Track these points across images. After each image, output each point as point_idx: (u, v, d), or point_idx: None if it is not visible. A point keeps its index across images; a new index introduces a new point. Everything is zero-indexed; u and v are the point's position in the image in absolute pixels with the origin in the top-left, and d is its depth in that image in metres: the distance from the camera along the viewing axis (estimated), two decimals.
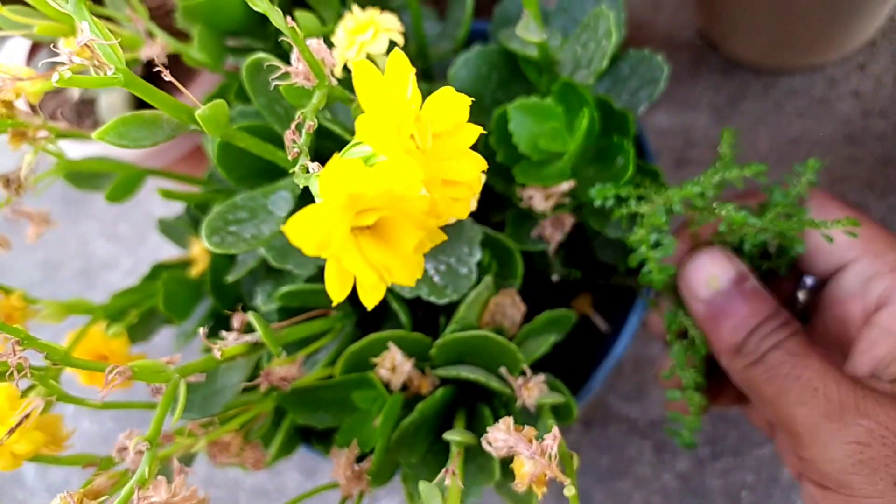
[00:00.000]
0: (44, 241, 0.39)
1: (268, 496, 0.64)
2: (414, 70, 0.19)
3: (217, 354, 0.25)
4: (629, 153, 0.32)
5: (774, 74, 0.64)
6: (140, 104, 0.61)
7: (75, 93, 0.64)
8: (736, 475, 0.55)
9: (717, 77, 0.66)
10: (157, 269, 0.41)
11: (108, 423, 0.70)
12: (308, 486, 0.64)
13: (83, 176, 0.39)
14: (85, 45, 0.21)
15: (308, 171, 0.21)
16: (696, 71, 0.66)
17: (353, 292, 0.37)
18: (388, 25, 0.32)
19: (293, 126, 0.23)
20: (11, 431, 0.25)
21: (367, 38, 0.31)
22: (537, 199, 0.33)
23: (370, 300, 0.18)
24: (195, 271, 0.40)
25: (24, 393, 0.28)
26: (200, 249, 0.40)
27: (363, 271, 0.17)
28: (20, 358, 0.21)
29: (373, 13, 0.32)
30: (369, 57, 0.32)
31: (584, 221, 0.36)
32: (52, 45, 0.64)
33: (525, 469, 0.24)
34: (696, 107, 0.65)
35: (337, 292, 0.18)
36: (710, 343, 0.33)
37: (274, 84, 0.25)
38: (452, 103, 0.18)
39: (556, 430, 0.24)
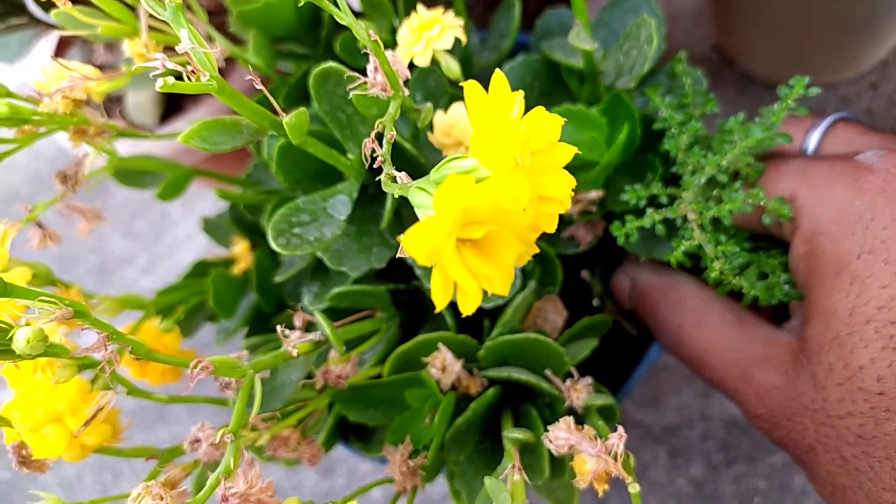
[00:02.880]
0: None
1: (285, 494, 0.64)
2: (522, 93, 0.20)
3: (294, 352, 0.26)
4: (658, 171, 0.33)
5: None
6: (169, 104, 0.62)
7: None
8: (749, 482, 0.56)
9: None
10: (200, 266, 0.42)
11: None
12: (324, 484, 0.65)
13: (130, 174, 0.40)
14: (185, 52, 0.22)
15: (395, 181, 0.22)
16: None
17: (401, 294, 0.38)
18: (453, 23, 0.33)
19: (373, 135, 0.24)
20: (87, 423, 0.26)
21: (434, 33, 0.32)
22: None
23: (468, 308, 0.19)
24: (238, 269, 0.41)
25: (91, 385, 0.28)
26: (243, 248, 0.41)
27: (468, 281, 0.18)
28: (111, 353, 0.22)
29: (437, 12, 0.33)
30: (434, 54, 0.33)
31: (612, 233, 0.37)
32: (83, 43, 0.64)
33: (587, 467, 0.25)
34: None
35: (441, 299, 0.19)
36: None
37: (352, 93, 0.26)
38: (546, 123, 0.19)
39: (621, 429, 0.25)
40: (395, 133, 0.24)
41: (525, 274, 0.35)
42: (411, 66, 0.33)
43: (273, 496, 0.24)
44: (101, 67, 0.64)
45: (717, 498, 0.56)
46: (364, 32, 0.24)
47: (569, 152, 0.20)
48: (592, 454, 0.25)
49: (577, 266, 0.40)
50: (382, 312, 0.37)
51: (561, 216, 0.38)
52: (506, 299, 0.34)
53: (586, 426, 0.27)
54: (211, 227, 0.43)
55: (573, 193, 0.36)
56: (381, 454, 0.35)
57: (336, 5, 0.24)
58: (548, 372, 0.33)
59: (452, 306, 0.37)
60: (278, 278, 0.37)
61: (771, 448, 0.56)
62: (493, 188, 0.17)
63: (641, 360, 0.39)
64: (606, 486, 0.26)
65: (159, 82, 0.21)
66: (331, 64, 0.29)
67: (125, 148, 0.56)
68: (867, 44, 0.62)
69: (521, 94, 0.20)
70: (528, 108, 0.40)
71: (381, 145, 0.24)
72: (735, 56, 0.67)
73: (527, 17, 0.49)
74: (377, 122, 0.24)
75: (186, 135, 0.24)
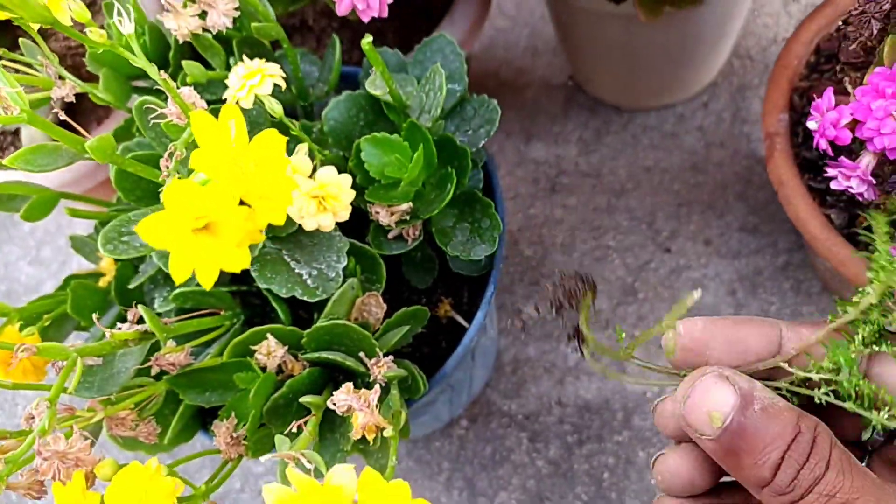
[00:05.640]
0: None
1: None
2: (237, 118, 0.26)
3: (108, 336, 0.32)
4: (454, 182, 0.40)
5: (632, 112, 0.74)
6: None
7: None
8: (599, 459, 0.63)
9: (585, 114, 0.75)
10: (69, 280, 0.46)
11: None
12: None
13: (2, 198, 0.44)
14: None
15: None
16: (567, 109, 0.76)
17: (244, 296, 0.44)
18: (273, 72, 0.39)
19: (167, 154, 0.30)
20: None
21: (255, 82, 0.38)
22: (382, 214, 0.40)
23: (206, 281, 0.25)
24: (104, 281, 0.45)
25: None
26: (108, 262, 0.45)
27: (195, 261, 0.24)
28: None
29: (261, 63, 0.39)
30: (257, 96, 0.39)
31: (432, 237, 0.43)
32: None
33: (359, 421, 0.31)
34: (568, 140, 0.75)
35: (178, 276, 0.24)
36: (736, 478, 0.29)
37: (152, 122, 0.31)
38: (271, 140, 0.25)
39: (377, 387, 0.31)
40: (182, 153, 0.29)
41: (346, 273, 0.41)
42: None
43: (90, 455, 0.29)
44: None
45: (572, 475, 0.62)
46: (155, 73, 0.29)
47: (284, 162, 0.26)
48: (357, 408, 0.30)
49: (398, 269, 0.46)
50: (226, 311, 0.42)
51: (383, 226, 0.44)
52: (329, 295, 0.40)
53: (363, 390, 0.32)
54: (79, 245, 0.47)
55: (387, 206, 0.42)
56: None
57: (133, 53, 0.30)
58: (361, 354, 0.39)
59: (286, 301, 0.42)
60: (131, 285, 0.42)
61: (617, 428, 0.63)
62: (209, 192, 0.23)
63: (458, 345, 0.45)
64: (374, 434, 0.31)
65: None
66: (146, 98, 0.35)
67: (14, 176, 0.60)
68: (694, 69, 0.71)
69: (236, 118, 0.26)
70: (355, 136, 0.46)
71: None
72: (585, 83, 0.75)
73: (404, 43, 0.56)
74: (170, 144, 0.30)
75: (11, 159, 0.30)
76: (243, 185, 0.24)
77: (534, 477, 0.63)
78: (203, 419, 0.45)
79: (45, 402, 0.29)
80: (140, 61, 0.29)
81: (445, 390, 0.54)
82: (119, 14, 0.30)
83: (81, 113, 0.65)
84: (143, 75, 0.45)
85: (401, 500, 0.23)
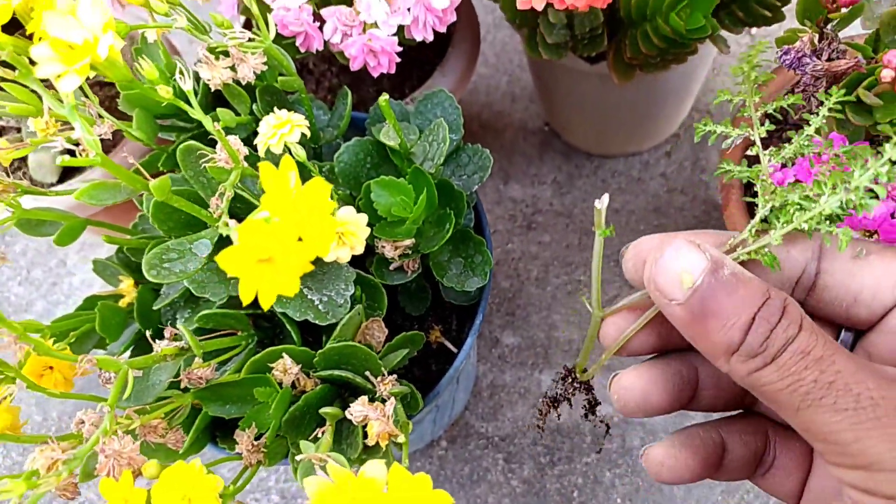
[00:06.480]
0: None
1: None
2: (295, 170, 0.30)
3: (158, 350, 0.36)
4: (452, 221, 0.45)
5: (602, 158, 0.81)
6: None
7: None
8: (569, 479, 0.68)
9: (559, 159, 0.82)
10: (91, 300, 0.50)
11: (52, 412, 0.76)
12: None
13: (32, 224, 0.48)
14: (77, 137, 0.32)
15: (228, 225, 0.32)
16: (543, 153, 0.82)
17: (255, 318, 0.48)
18: (301, 122, 0.44)
19: (217, 194, 0.34)
20: None
21: (286, 131, 0.43)
22: (388, 248, 0.45)
23: (265, 303, 0.29)
24: (123, 302, 0.49)
25: None
26: (129, 284, 0.49)
27: (259, 286, 0.28)
28: (20, 348, 0.31)
29: (289, 114, 0.44)
30: (286, 144, 0.43)
31: (429, 269, 0.48)
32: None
33: (375, 429, 0.36)
34: (543, 182, 0.81)
35: (246, 297, 0.29)
36: (703, 350, 0.29)
37: (203, 165, 0.36)
38: (321, 188, 0.30)
39: (392, 399, 0.35)
40: (232, 193, 0.34)
41: (353, 300, 0.46)
42: None
43: (138, 455, 0.33)
44: (3, 128, 0.71)
45: (545, 494, 0.67)
46: (210, 124, 0.34)
47: (331, 206, 0.31)
48: (374, 418, 0.35)
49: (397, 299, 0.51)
50: (243, 332, 0.46)
51: (386, 259, 0.49)
52: (338, 319, 0.45)
53: (376, 402, 0.37)
54: (100, 268, 0.51)
55: (392, 241, 0.47)
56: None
57: (189, 103, 0.34)
58: (367, 373, 0.43)
59: (301, 327, 0.47)
60: (156, 306, 0.45)
61: (586, 450, 0.68)
62: (274, 230, 0.28)
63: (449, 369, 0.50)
64: (387, 441, 0.36)
65: (58, 159, 0.31)
66: (192, 143, 0.39)
67: (28, 203, 0.63)
68: (660, 122, 0.78)
69: (294, 171, 0.30)
70: (363, 178, 0.51)
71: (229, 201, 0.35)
72: (560, 131, 0.82)
73: (398, 88, 0.62)
74: (220, 186, 0.34)
75: (79, 193, 0.34)
76: (300, 225, 0.29)
77: (509, 496, 0.67)
78: (212, 431, 0.48)
79: (106, 407, 0.32)
80: (197, 114, 0.34)
81: (432, 410, 0.58)
82: (181, 73, 0.35)
83: None
84: (169, 115, 0.50)
85: (423, 489, 0.28)
